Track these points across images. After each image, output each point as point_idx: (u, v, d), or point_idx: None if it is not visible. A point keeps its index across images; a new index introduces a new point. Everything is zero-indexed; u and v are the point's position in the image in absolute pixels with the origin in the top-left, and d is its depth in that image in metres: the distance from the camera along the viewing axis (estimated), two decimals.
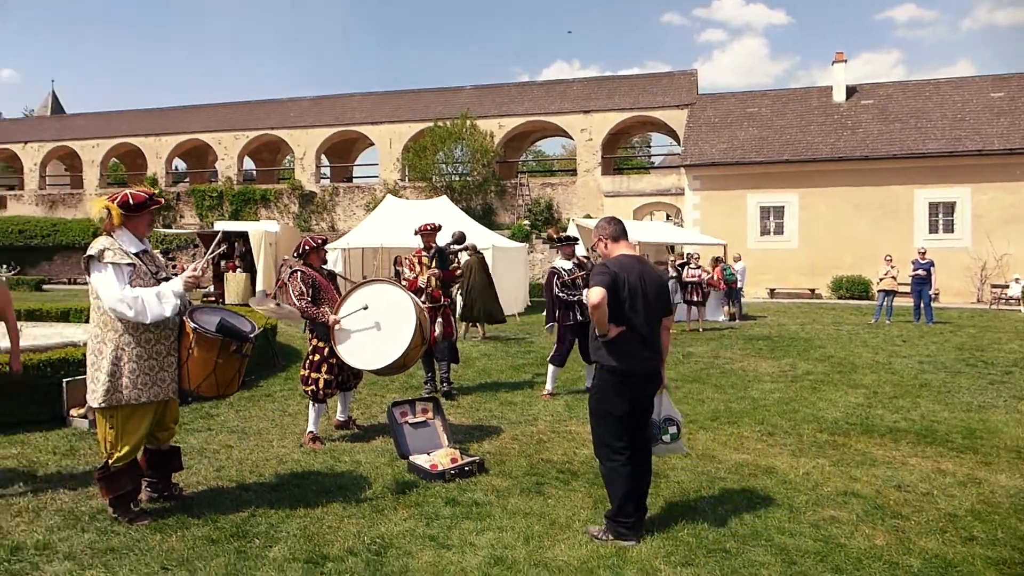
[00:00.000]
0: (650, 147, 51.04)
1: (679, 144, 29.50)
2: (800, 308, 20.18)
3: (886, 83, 27.46)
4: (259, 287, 20.39)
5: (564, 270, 7.95)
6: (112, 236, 4.14)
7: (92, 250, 4.05)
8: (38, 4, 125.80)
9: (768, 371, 9.70)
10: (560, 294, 7.83)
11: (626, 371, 3.99)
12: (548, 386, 7.94)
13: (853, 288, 23.65)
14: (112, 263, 3.99)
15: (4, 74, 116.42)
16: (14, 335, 5.03)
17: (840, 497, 4.67)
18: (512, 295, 17.85)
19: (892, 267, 16.32)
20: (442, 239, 8.25)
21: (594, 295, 3.86)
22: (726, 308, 16.98)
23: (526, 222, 29.17)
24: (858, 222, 23.74)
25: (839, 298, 23.72)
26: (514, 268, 18.39)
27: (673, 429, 4.28)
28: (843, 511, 4.42)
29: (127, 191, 4.23)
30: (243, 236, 20.93)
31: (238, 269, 20.56)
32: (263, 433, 6.24)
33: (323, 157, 36.26)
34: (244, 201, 34.66)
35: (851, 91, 26.55)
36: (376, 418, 6.81)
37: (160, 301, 4.00)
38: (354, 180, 38.43)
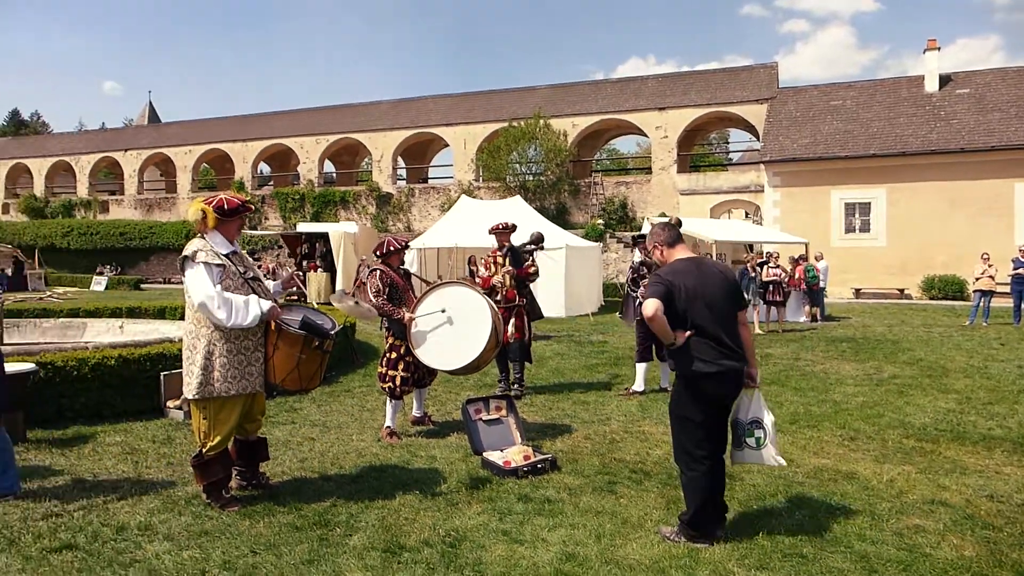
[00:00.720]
0: (728, 143, 49.87)
1: (758, 140, 28.72)
2: (888, 309, 19.34)
3: (984, 70, 25.95)
4: (339, 286, 21.07)
5: (636, 265, 8.23)
6: (204, 238, 4.40)
7: (187, 251, 4.31)
8: (136, 19, 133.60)
9: (851, 374, 9.36)
10: (629, 290, 8.03)
11: (699, 374, 3.86)
12: (636, 385, 7.94)
13: (946, 288, 22.49)
14: (204, 263, 4.24)
15: (107, 86, 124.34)
16: None
17: (927, 506, 4.48)
18: (585, 295, 17.83)
19: (989, 266, 15.42)
20: (519, 239, 8.30)
21: (648, 308, 3.76)
22: (807, 309, 16.44)
23: (600, 221, 29.01)
24: (952, 218, 22.56)
25: (931, 299, 22.60)
26: (588, 268, 18.34)
27: (759, 433, 4.06)
28: (929, 520, 4.25)
29: (222, 196, 4.48)
30: (324, 237, 21.67)
31: (319, 269, 21.29)
32: (343, 427, 6.47)
33: (399, 159, 37.06)
34: (324, 203, 35.81)
35: (945, 80, 25.25)
36: (451, 415, 6.95)
37: (247, 308, 4.21)
38: (429, 181, 39.14)
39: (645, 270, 8.12)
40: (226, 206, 4.39)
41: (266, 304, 4.31)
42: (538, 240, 8.22)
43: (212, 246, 4.35)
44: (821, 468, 5.27)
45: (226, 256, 4.38)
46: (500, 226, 7.97)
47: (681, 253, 4.09)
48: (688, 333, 3.86)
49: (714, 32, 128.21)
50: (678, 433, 4.05)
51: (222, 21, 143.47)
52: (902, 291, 23.04)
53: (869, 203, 24.00)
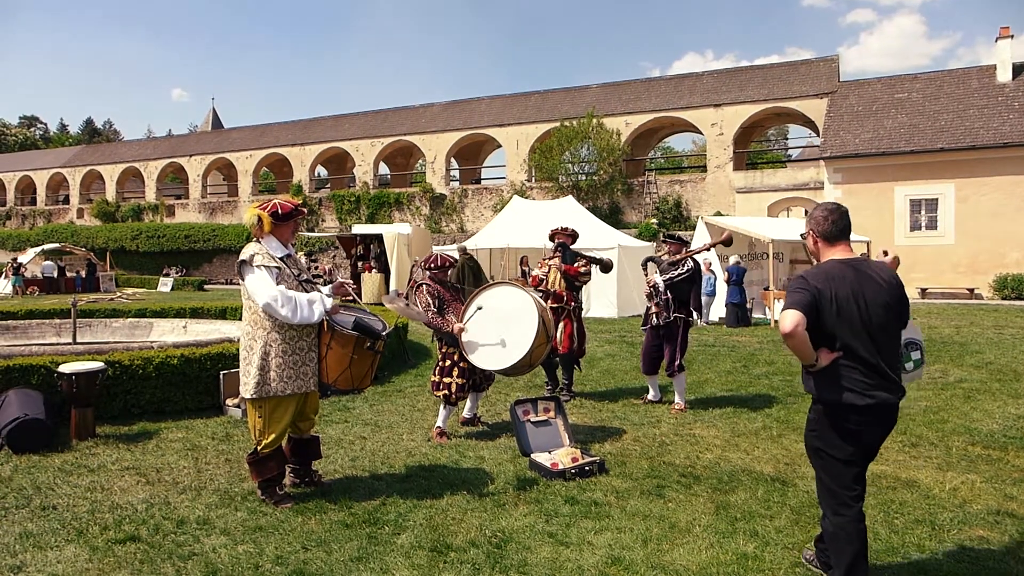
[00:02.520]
0: (787, 139, 48.69)
1: (818, 136, 27.96)
2: (955, 309, 18.57)
3: None
4: (392, 287, 21.39)
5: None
6: (260, 242, 4.53)
7: (244, 255, 4.45)
8: (203, 27, 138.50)
9: None
10: (647, 297, 7.49)
11: (845, 405, 3.18)
12: (649, 394, 7.58)
13: (1020, 288, 21.48)
14: (263, 266, 4.38)
15: (175, 93, 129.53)
16: None
17: (991, 516, 4.30)
18: (638, 295, 17.65)
19: None
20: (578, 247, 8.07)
21: (787, 321, 3.08)
22: None
23: (654, 221, 28.70)
24: None
25: (1003, 298, 21.62)
26: (640, 268, 18.14)
27: (916, 354, 3.47)
28: (994, 532, 4.07)
29: (276, 200, 4.61)
30: (378, 238, 22.03)
31: (373, 270, 21.65)
32: (394, 427, 6.57)
33: (452, 160, 37.40)
34: (379, 205, 36.41)
35: (1019, 69, 24.11)
36: (500, 416, 6.98)
37: (311, 306, 4.36)
38: (482, 182, 39.38)
39: (652, 264, 7.49)
40: (280, 211, 4.51)
41: (329, 300, 4.45)
42: (606, 266, 7.80)
43: (268, 250, 4.48)
44: (879, 475, 5.10)
45: (281, 259, 4.50)
46: (560, 228, 7.89)
47: (841, 253, 3.33)
48: (835, 355, 3.19)
49: (774, 25, 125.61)
50: (819, 470, 3.39)
51: (280, 29, 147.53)
52: (972, 291, 22.11)
53: (936, 199, 23.11)
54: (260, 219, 4.50)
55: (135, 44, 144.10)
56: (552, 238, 7.93)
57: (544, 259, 7.98)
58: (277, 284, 4.37)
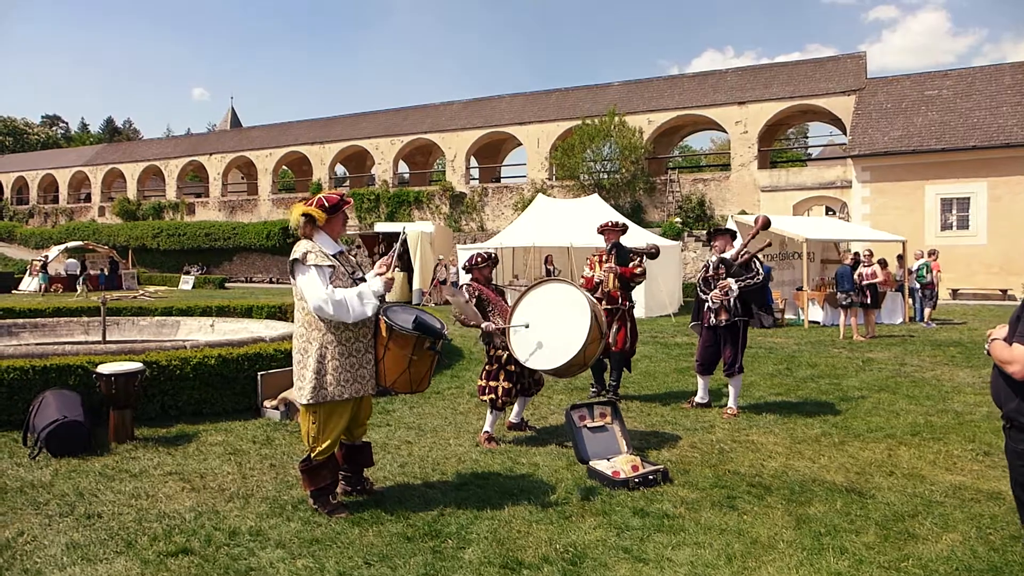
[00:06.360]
0: (807, 138, 48.13)
1: (844, 133, 27.49)
2: (991, 311, 18.13)
3: None
4: (415, 285, 21.23)
5: (710, 264, 7.28)
6: (312, 240, 4.30)
7: (296, 253, 4.21)
8: (222, 27, 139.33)
9: (968, 381, 8.70)
10: (700, 292, 7.25)
11: None
12: (697, 396, 7.35)
13: None
14: (315, 265, 4.15)
15: (196, 93, 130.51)
16: None
17: None
18: (666, 295, 17.38)
19: None
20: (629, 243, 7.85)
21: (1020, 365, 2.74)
22: (927, 311, 15.65)
23: (677, 219, 28.34)
24: None
25: None
26: (667, 267, 17.86)
27: None
28: None
29: (321, 195, 4.39)
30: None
31: (396, 268, 21.49)
32: (438, 431, 6.35)
33: (472, 158, 37.16)
34: (399, 203, 36.25)
35: None
36: (546, 420, 6.75)
37: (362, 301, 4.13)
38: (502, 180, 39.12)
39: (724, 269, 7.15)
40: (327, 203, 4.29)
41: (377, 284, 4.20)
42: (653, 253, 7.59)
43: (320, 247, 4.26)
44: (959, 486, 4.83)
45: (334, 256, 4.28)
46: (610, 223, 7.65)
47: None
48: None
49: (795, 22, 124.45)
50: None
51: (300, 28, 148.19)
52: (1005, 292, 21.61)
53: (968, 198, 22.62)
54: (309, 216, 4.28)
55: (157, 44, 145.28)
56: (602, 233, 7.66)
57: (592, 256, 7.72)
58: (332, 283, 4.15)
